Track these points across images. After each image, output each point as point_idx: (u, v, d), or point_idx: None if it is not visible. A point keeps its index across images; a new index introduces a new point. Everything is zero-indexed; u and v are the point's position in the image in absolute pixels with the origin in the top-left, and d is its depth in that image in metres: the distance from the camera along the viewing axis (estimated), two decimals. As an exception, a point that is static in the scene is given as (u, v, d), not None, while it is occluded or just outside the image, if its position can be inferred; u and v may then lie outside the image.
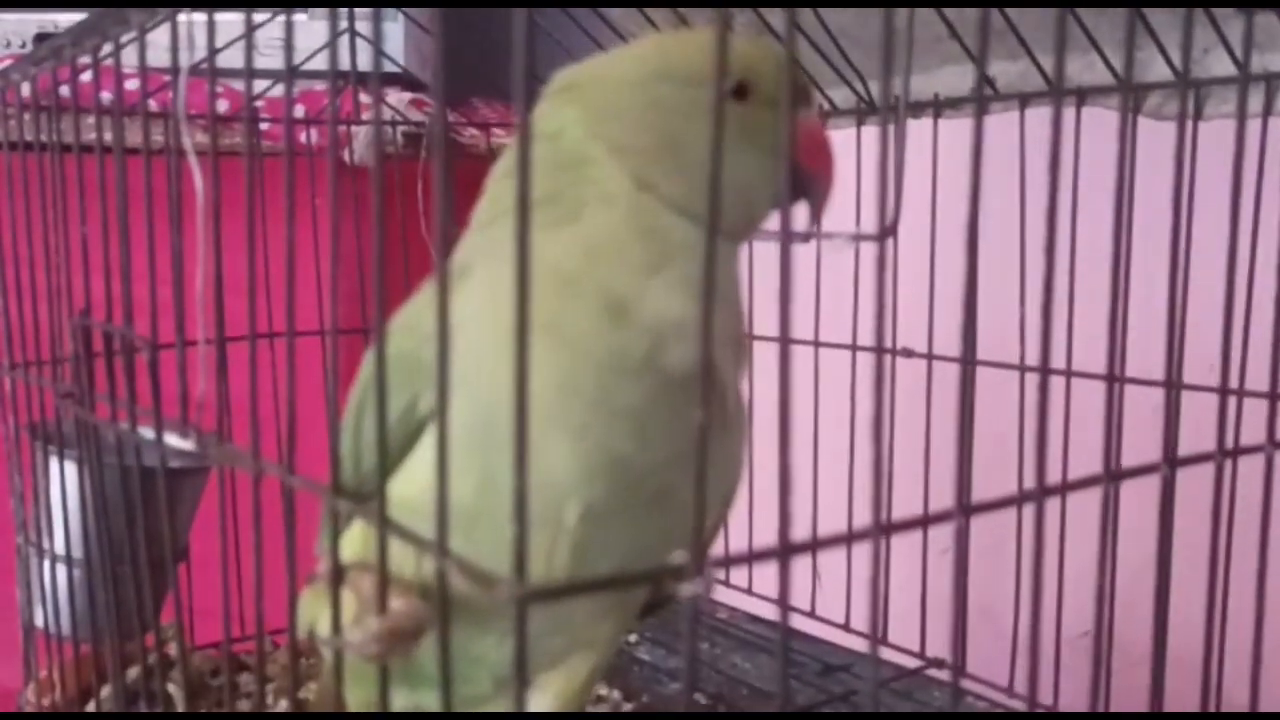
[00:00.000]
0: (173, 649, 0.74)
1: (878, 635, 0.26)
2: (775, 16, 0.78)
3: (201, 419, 0.44)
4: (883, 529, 0.22)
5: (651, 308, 0.42)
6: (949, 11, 0.71)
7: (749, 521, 0.54)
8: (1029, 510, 0.29)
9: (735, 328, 0.47)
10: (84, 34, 0.48)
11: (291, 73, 0.35)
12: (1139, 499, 0.50)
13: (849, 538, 0.23)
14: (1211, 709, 0.44)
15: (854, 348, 0.79)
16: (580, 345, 0.41)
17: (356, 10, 0.78)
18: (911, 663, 0.77)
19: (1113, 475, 0.30)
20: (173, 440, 0.44)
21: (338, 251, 0.32)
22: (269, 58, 0.99)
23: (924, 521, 0.25)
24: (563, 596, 0.21)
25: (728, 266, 0.46)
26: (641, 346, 0.42)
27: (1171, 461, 0.35)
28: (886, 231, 0.30)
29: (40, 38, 1.15)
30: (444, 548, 0.21)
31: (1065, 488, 0.30)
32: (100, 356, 0.52)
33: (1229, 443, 0.38)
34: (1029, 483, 0.29)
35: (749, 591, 0.87)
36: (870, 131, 0.80)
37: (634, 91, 0.45)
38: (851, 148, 0.79)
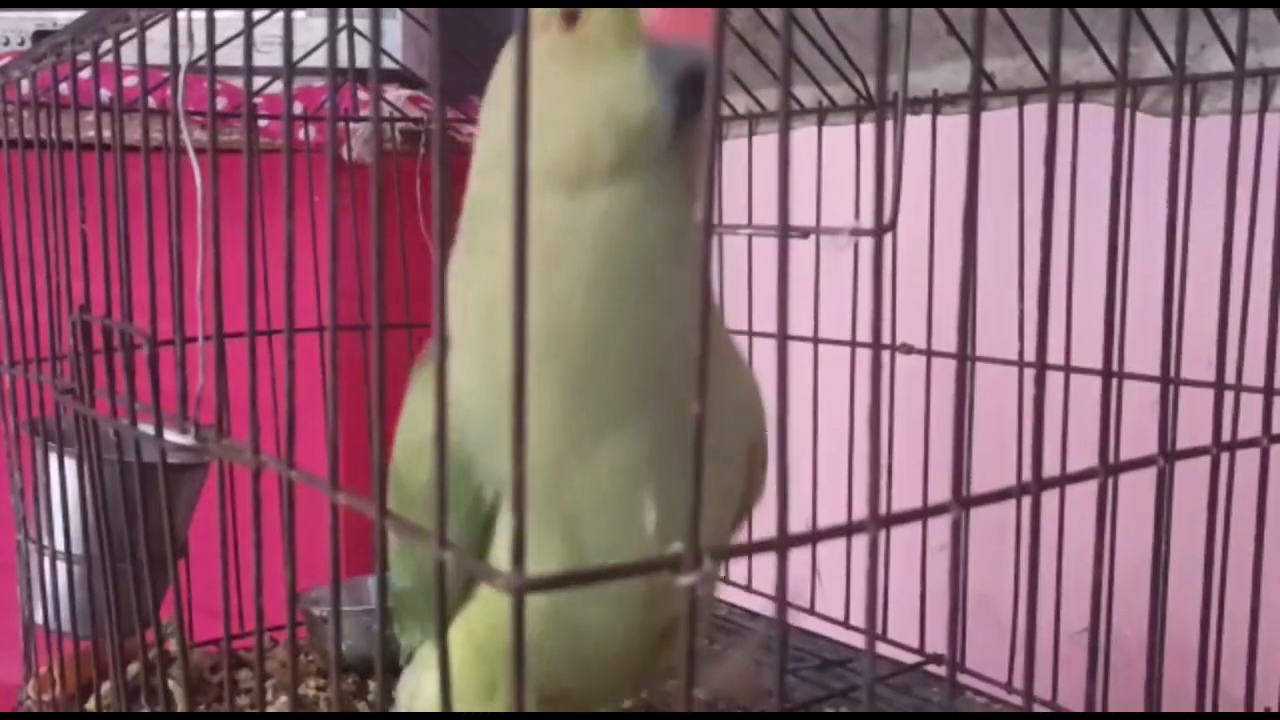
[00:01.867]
0: (173, 645, 0.74)
1: (875, 630, 0.26)
2: (774, 14, 0.78)
3: (201, 414, 0.44)
4: (880, 521, 0.22)
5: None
6: (947, 8, 0.71)
7: (748, 518, 0.54)
8: (1026, 504, 0.29)
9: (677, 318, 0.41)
10: (83, 30, 0.48)
11: (290, 69, 0.35)
12: (1136, 494, 0.50)
13: (848, 529, 0.23)
14: (1208, 700, 0.44)
15: (853, 344, 0.79)
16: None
17: (355, 7, 0.78)
18: (910, 658, 0.77)
19: (1109, 468, 0.30)
20: (172, 435, 0.44)
21: (337, 248, 0.32)
22: (268, 55, 0.99)
23: (922, 514, 0.26)
24: (562, 587, 0.21)
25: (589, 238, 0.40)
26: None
27: (1168, 454, 0.35)
28: (884, 228, 0.30)
29: (38, 35, 1.15)
30: (443, 539, 0.21)
31: (1063, 480, 0.30)
32: (100, 353, 0.52)
33: (1225, 437, 0.38)
34: (1027, 477, 0.30)
35: (748, 588, 0.87)
36: (869, 128, 0.80)
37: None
38: (850, 144, 0.80)
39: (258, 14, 0.44)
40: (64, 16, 1.13)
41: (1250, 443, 0.40)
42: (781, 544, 0.21)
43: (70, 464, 0.65)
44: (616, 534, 0.43)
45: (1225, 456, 0.38)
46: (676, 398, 0.41)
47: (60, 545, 0.66)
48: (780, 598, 0.22)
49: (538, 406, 0.40)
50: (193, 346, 0.46)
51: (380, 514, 0.24)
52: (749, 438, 0.48)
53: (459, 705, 0.47)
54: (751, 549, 0.23)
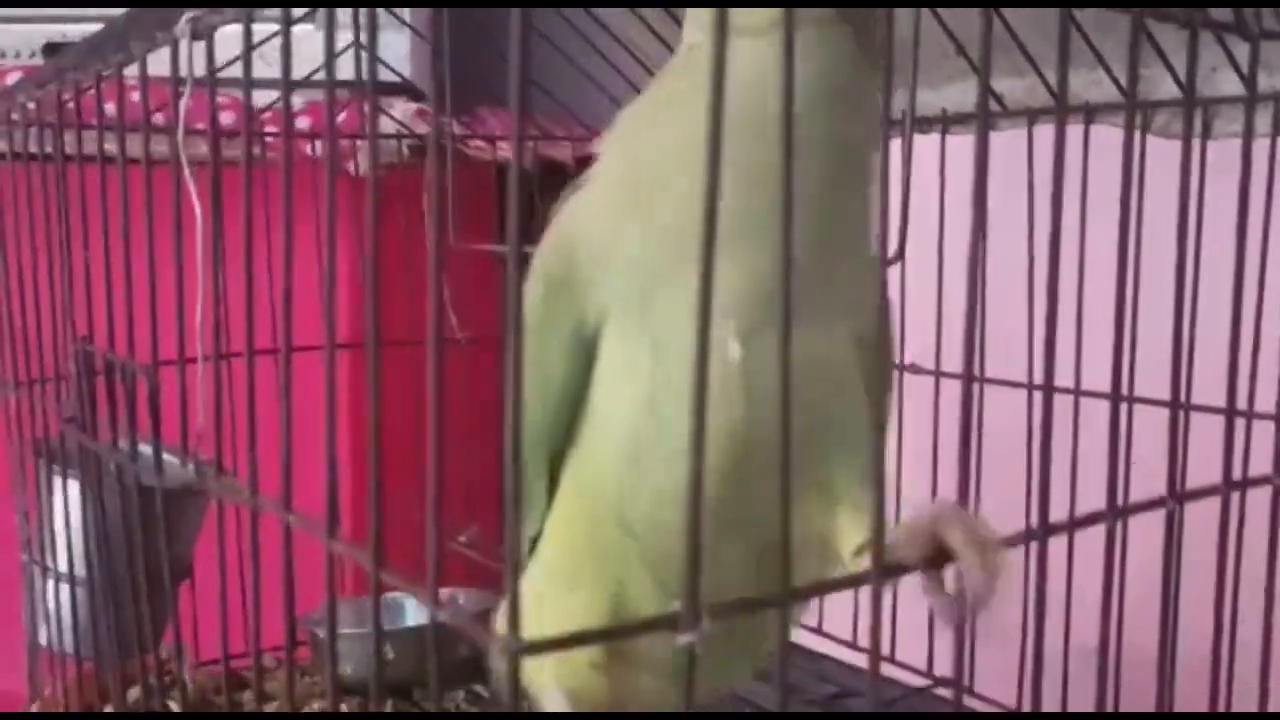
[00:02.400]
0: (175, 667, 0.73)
1: (878, 664, 0.26)
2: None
3: (201, 446, 0.43)
4: (883, 574, 0.22)
5: None
6: (955, 27, 0.70)
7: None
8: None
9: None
10: (86, 58, 0.48)
11: (289, 85, 0.35)
12: (1146, 518, 0.49)
13: (851, 582, 0.23)
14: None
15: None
16: None
17: (362, 21, 0.78)
18: (918, 681, 0.76)
19: (1117, 512, 0.30)
20: (173, 465, 0.43)
21: (334, 262, 0.32)
22: (276, 69, 0.99)
23: (927, 566, 0.25)
24: (555, 650, 0.20)
25: None
26: None
27: (1177, 496, 0.34)
28: (891, 260, 0.30)
29: (49, 48, 1.14)
30: (435, 597, 0.21)
31: (1071, 525, 0.29)
32: (101, 374, 0.52)
33: (1236, 469, 0.37)
34: (1036, 503, 0.29)
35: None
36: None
37: None
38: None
39: (266, 30, 0.44)
40: (75, 29, 1.13)
41: (1261, 480, 0.39)
42: (784, 599, 0.21)
43: (74, 486, 0.64)
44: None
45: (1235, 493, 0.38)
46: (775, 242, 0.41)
47: (64, 567, 0.66)
48: (782, 651, 0.21)
49: (647, 215, 0.42)
50: (194, 372, 0.46)
51: (375, 565, 0.24)
52: (850, 328, 0.47)
53: (564, 564, 0.45)
54: (752, 605, 0.22)
